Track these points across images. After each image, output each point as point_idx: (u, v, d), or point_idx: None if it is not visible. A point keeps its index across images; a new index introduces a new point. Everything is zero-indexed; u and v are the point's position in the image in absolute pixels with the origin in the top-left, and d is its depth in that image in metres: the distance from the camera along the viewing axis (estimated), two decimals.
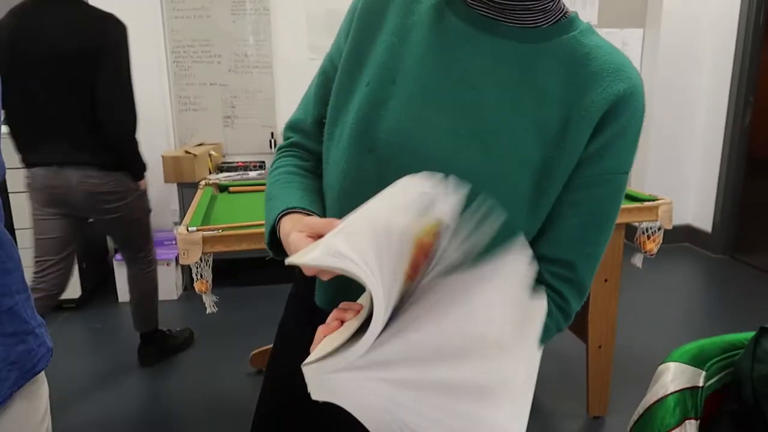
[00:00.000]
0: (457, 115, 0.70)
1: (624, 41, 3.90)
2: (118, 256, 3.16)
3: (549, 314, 0.74)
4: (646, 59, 3.94)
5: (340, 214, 0.74)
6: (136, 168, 2.34)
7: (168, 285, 3.22)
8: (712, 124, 3.91)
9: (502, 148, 0.69)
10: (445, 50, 0.72)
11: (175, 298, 3.25)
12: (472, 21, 0.72)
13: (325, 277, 0.57)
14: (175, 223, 3.53)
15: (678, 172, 4.04)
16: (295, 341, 0.90)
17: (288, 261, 0.54)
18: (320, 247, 0.51)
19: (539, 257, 0.74)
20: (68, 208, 2.29)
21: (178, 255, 1.83)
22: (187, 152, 3.30)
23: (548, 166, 0.70)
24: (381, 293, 0.50)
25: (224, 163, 3.56)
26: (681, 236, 4.09)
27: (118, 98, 2.15)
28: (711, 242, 3.97)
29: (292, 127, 0.89)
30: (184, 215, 2.08)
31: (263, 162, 3.59)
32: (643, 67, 3.94)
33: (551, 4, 0.73)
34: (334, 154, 0.78)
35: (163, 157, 3.27)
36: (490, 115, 0.69)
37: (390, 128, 0.71)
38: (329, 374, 0.53)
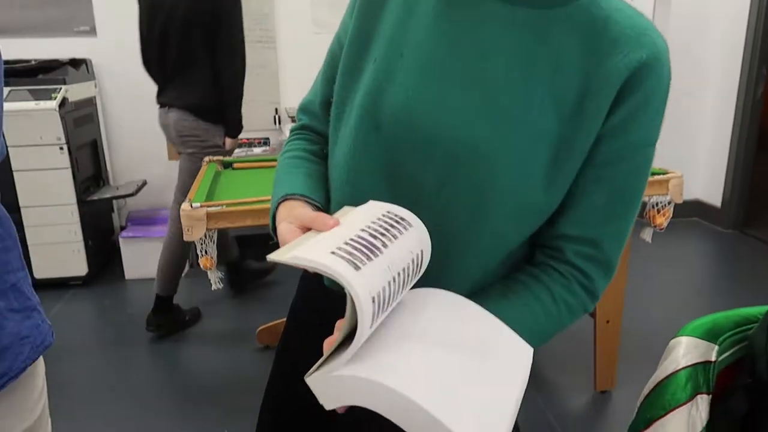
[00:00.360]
0: (467, 88, 0.66)
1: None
2: (124, 233, 3.16)
3: (574, 294, 0.72)
4: (658, 25, 3.84)
5: (350, 196, 0.73)
6: (233, 122, 2.59)
7: None
8: (723, 97, 3.84)
9: (515, 122, 0.65)
10: (453, 20, 0.68)
11: (182, 275, 3.25)
12: None
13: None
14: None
15: (688, 146, 3.98)
16: (305, 323, 0.90)
17: (268, 257, 0.54)
18: (297, 251, 0.53)
19: (561, 236, 0.72)
20: (175, 146, 2.70)
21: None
22: None
23: (566, 140, 0.66)
24: (363, 300, 0.49)
25: None
26: (690, 211, 4.05)
27: (234, 49, 2.46)
28: (720, 217, 3.93)
29: (303, 109, 0.88)
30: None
31: (267, 138, 3.56)
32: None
33: None
34: (342, 134, 0.76)
35: None
36: (502, 86, 0.66)
37: (397, 105, 0.68)
38: (327, 378, 0.53)
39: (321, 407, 0.55)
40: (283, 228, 0.63)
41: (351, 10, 0.77)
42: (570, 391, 2.16)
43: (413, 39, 0.69)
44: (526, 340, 0.64)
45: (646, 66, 0.64)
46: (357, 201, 0.67)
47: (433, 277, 0.67)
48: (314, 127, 0.87)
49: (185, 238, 1.73)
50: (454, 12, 0.68)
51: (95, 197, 3.14)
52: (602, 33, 0.65)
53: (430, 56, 0.68)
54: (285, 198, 0.74)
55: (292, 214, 0.65)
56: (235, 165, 2.44)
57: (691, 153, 3.99)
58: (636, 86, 0.65)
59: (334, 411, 0.56)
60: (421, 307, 0.63)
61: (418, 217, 0.63)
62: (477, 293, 0.71)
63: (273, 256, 0.54)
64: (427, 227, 0.63)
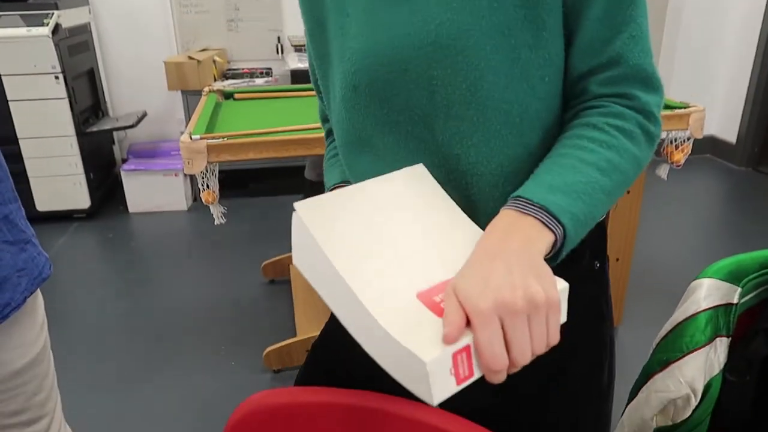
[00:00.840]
0: (406, 4, 0.61)
1: None
2: (126, 166, 3.11)
3: (620, 116, 0.61)
4: None
5: (350, 169, 0.74)
6: None
7: (176, 196, 3.18)
8: (746, 30, 3.65)
9: (473, 6, 0.58)
10: None
11: (185, 209, 3.23)
12: None
13: None
14: (182, 133, 3.44)
15: (706, 80, 3.83)
16: None
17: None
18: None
19: (580, 76, 0.63)
20: None
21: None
22: (190, 58, 3.15)
23: None
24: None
25: (229, 69, 3.42)
26: (704, 147, 3.95)
27: None
28: (734, 154, 3.83)
29: (321, 117, 0.90)
30: None
31: (270, 69, 3.43)
32: None
33: None
34: (336, 115, 0.73)
35: (165, 63, 3.14)
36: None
37: (358, 54, 0.65)
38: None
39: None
40: None
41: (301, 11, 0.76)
42: None
43: None
44: (600, 175, 0.57)
45: None
46: (364, 165, 0.70)
47: (478, 176, 0.64)
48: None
49: (185, 171, 1.67)
50: None
51: (95, 129, 3.06)
52: None
53: None
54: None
55: None
56: (237, 96, 2.35)
57: (709, 87, 3.85)
58: None
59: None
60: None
61: (434, 133, 0.63)
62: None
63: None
64: (446, 137, 0.63)
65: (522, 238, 0.52)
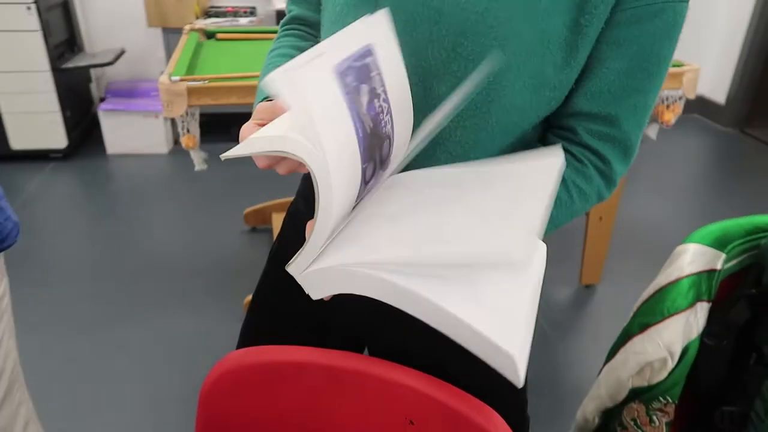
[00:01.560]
0: None
1: None
2: (104, 106, 3.01)
3: (588, 179, 0.66)
4: None
5: None
6: None
7: (156, 138, 3.10)
8: None
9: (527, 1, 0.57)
10: None
11: (165, 152, 3.15)
12: None
13: (281, 171, 0.52)
14: (162, 73, 3.33)
15: (697, 39, 3.77)
16: (303, 218, 0.85)
17: (222, 156, 0.50)
18: (249, 140, 0.48)
19: (574, 113, 0.64)
20: None
21: None
22: None
23: (587, 2, 0.57)
24: (326, 171, 0.45)
25: (212, 7, 3.28)
26: (692, 108, 3.93)
27: None
28: (722, 115, 3.82)
29: (288, 20, 0.81)
30: None
31: (254, 8, 3.30)
32: None
33: None
34: (328, 15, 0.67)
35: None
36: None
37: None
38: (309, 271, 0.51)
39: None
40: (243, 128, 0.56)
41: None
42: (552, 283, 2.19)
43: None
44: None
45: None
46: None
47: (447, 153, 0.64)
48: (306, 17, 0.78)
49: (165, 114, 1.61)
50: None
51: (70, 65, 2.94)
52: None
53: None
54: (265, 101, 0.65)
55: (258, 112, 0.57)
56: (219, 36, 2.26)
57: (701, 46, 3.79)
58: None
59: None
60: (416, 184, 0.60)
61: (428, 94, 0.60)
62: None
63: (226, 154, 0.49)
64: (438, 104, 0.59)
65: None
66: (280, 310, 0.85)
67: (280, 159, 0.51)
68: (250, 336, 0.89)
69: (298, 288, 0.52)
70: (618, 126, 0.63)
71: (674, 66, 1.84)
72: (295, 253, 0.51)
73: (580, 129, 0.64)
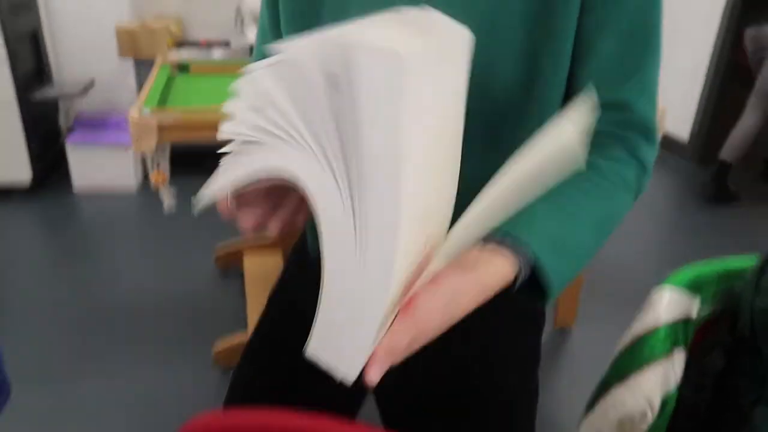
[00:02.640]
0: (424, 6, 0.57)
1: None
2: (71, 138, 2.95)
3: (622, 162, 0.60)
4: None
5: None
6: None
7: (125, 172, 3.04)
8: (705, 23, 3.73)
9: (496, 26, 0.57)
10: None
11: (134, 186, 3.08)
12: None
13: (274, 227, 0.46)
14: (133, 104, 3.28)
15: (661, 74, 3.89)
16: (294, 282, 0.83)
17: (196, 210, 0.43)
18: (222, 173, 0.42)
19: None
20: None
21: None
22: (144, 25, 2.99)
23: (556, 12, 0.57)
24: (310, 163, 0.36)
25: (185, 40, 3.26)
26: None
27: None
28: (687, 151, 3.93)
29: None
30: None
31: (228, 41, 3.29)
32: None
33: None
34: None
35: (117, 29, 2.97)
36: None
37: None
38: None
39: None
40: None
41: None
42: None
43: None
44: (594, 236, 0.56)
45: None
46: None
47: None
48: None
49: (134, 149, 1.58)
50: None
51: (38, 96, 2.88)
52: None
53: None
54: None
55: None
56: (193, 68, 2.24)
57: (664, 81, 3.91)
58: None
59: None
60: None
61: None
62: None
63: (199, 207, 0.44)
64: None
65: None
66: (280, 361, 0.76)
67: (275, 204, 0.45)
68: (240, 391, 0.79)
69: (303, 335, 0.43)
70: (631, 109, 0.60)
71: None
72: (301, 297, 0.44)
73: (596, 119, 0.60)
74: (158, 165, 1.62)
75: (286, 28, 0.68)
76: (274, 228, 0.46)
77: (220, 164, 0.43)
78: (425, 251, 0.43)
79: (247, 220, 0.45)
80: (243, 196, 0.45)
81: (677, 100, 3.93)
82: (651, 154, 0.62)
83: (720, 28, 3.62)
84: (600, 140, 0.60)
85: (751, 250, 0.96)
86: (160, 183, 1.61)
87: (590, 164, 0.57)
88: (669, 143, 4.04)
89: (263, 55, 0.77)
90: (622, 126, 0.60)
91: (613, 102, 0.59)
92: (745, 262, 0.96)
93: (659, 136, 0.62)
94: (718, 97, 3.73)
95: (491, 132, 0.61)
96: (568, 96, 0.63)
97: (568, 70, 0.60)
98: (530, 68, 0.58)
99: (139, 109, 1.58)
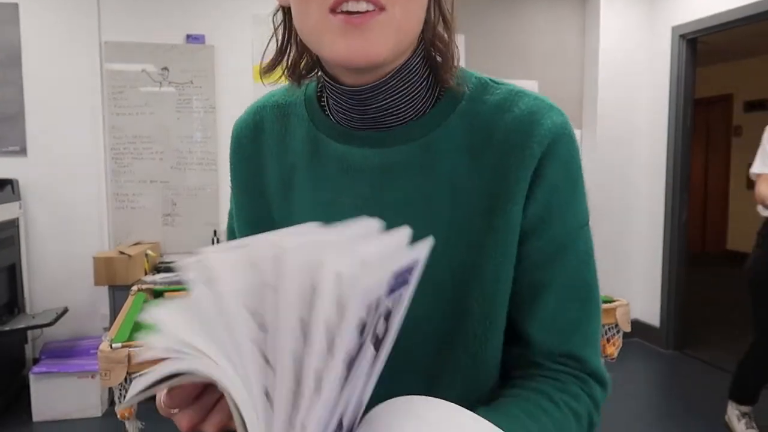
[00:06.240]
0: None
1: None
2: (36, 369, 2.85)
3: (575, 397, 0.60)
4: (586, 157, 4.09)
5: None
6: None
7: (90, 400, 2.90)
8: (652, 221, 4.03)
9: (424, 275, 0.59)
10: (329, 185, 0.64)
11: (99, 415, 2.92)
12: (347, 139, 0.63)
13: (210, 428, 0.46)
14: (105, 329, 3.25)
15: (623, 269, 4.09)
16: None
17: (117, 409, 0.45)
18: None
19: (536, 355, 0.62)
20: None
21: None
22: (121, 252, 3.10)
23: (472, 263, 0.60)
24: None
25: (162, 263, 3.36)
26: (630, 331, 4.08)
27: None
28: (660, 337, 3.98)
29: None
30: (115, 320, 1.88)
31: None
32: (583, 165, 4.08)
33: (413, 88, 0.61)
34: None
35: (94, 258, 3.06)
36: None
37: None
38: None
39: None
40: None
41: (233, 189, 0.74)
42: None
43: (300, 217, 0.65)
44: None
45: (548, 155, 0.59)
46: None
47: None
48: None
49: (102, 383, 1.53)
50: (328, 182, 0.64)
51: (6, 328, 2.85)
52: (488, 141, 0.60)
53: None
54: None
55: None
56: (167, 294, 2.28)
57: (626, 275, 4.10)
58: (542, 177, 0.59)
59: None
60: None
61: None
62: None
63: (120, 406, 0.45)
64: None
65: None
66: None
67: (206, 405, 0.45)
68: None
69: None
70: (581, 361, 0.61)
71: (605, 302, 1.95)
72: None
73: (546, 362, 0.61)
74: (125, 397, 1.56)
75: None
76: (209, 430, 0.46)
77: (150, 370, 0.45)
78: None
79: (183, 420, 0.46)
80: (176, 398, 0.45)
81: (641, 290, 4.09)
82: (602, 397, 0.63)
83: (665, 222, 3.92)
84: (556, 375, 0.61)
85: None
86: (126, 417, 1.54)
87: (546, 394, 0.59)
88: (642, 329, 4.09)
89: None
90: (577, 372, 0.62)
91: (565, 354, 0.61)
92: None
93: (609, 382, 0.65)
94: (677, 282, 3.90)
95: (408, 356, 0.61)
96: (518, 338, 0.64)
97: (500, 309, 0.62)
98: (458, 309, 0.61)
99: (109, 343, 1.57)
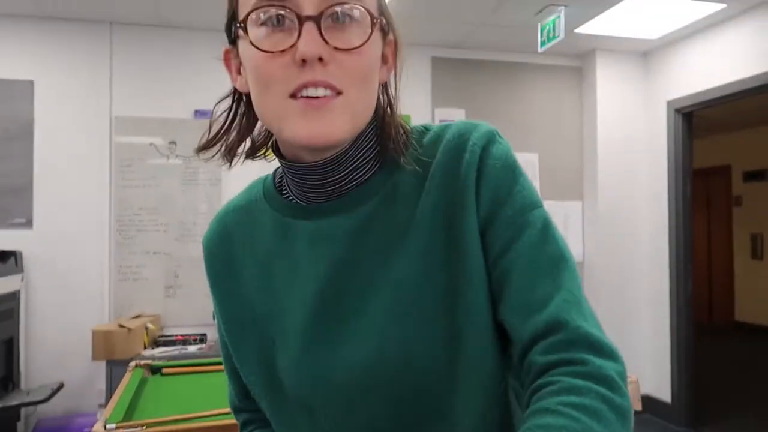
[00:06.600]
0: (350, 320, 0.63)
1: (566, 213, 4.09)
2: None
3: (576, 392, 0.51)
4: (587, 230, 4.10)
5: None
6: None
7: None
8: (656, 293, 3.99)
9: (409, 314, 0.62)
10: (305, 260, 0.66)
11: None
12: (314, 213, 0.67)
13: None
14: (100, 406, 3.16)
15: (629, 345, 4.00)
16: None
17: None
18: None
19: (523, 351, 0.58)
20: None
21: None
22: (121, 326, 3.06)
23: (460, 275, 0.62)
24: None
25: (162, 336, 3.31)
26: (642, 407, 3.96)
27: None
28: (672, 413, 3.84)
29: (233, 408, 0.82)
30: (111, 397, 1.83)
31: (204, 335, 3.36)
32: (585, 237, 4.09)
33: (367, 152, 0.66)
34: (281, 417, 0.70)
35: (93, 331, 3.02)
36: (379, 292, 0.63)
37: (296, 386, 0.65)
38: None
39: None
40: None
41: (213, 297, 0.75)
42: None
43: (279, 314, 0.67)
44: None
45: (480, 163, 0.63)
46: None
47: None
48: (253, 417, 0.79)
49: None
50: (299, 260, 0.67)
51: (0, 405, 2.77)
52: (434, 173, 0.64)
53: (300, 328, 0.65)
54: None
55: None
56: (165, 370, 2.23)
57: (634, 351, 4.01)
58: (483, 184, 0.62)
59: None
60: None
61: None
62: None
63: None
64: None
65: None
66: None
67: None
68: None
69: None
70: (565, 327, 0.55)
71: None
72: None
73: (535, 356, 0.56)
74: None
75: (248, 376, 0.72)
76: None
77: None
78: None
79: None
80: None
81: (651, 366, 3.99)
82: (608, 366, 0.53)
83: (670, 293, 3.88)
84: (548, 378, 0.54)
85: None
86: None
87: (543, 409, 0.51)
88: (654, 406, 3.96)
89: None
90: (564, 348, 0.55)
91: (545, 327, 0.56)
92: None
93: (614, 349, 0.56)
94: (686, 358, 3.81)
95: (422, 409, 0.61)
96: (510, 339, 0.62)
97: (488, 320, 0.62)
98: (450, 337, 0.61)
99: (103, 424, 1.53)
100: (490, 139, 0.64)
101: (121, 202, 3.48)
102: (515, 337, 0.60)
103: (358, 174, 0.65)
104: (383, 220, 0.64)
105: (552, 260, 0.60)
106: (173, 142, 3.58)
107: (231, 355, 0.73)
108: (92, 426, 2.90)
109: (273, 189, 0.71)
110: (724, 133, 6.96)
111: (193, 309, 3.53)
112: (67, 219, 3.39)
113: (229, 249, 0.72)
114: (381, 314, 0.62)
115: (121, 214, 3.48)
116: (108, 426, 1.53)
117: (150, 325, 3.23)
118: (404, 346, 0.61)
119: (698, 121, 4.07)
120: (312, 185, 0.65)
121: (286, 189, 0.70)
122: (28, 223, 3.36)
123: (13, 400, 2.84)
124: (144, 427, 1.54)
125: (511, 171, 0.63)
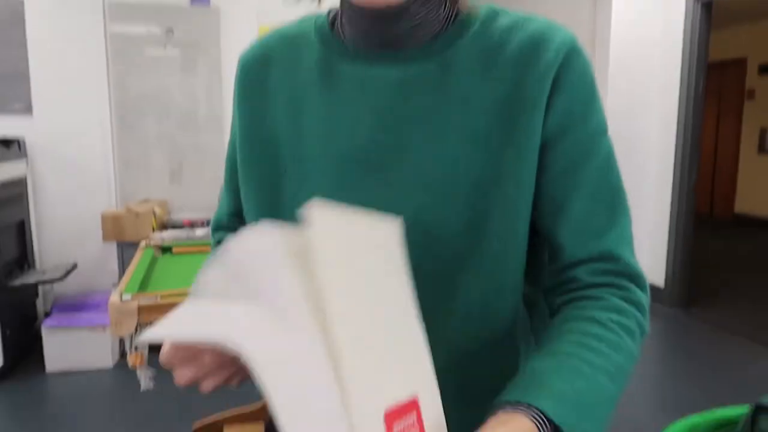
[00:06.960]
0: (380, 174, 0.62)
1: None
2: (47, 322, 2.91)
3: (620, 311, 0.59)
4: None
5: None
6: None
7: (101, 352, 2.96)
8: (659, 182, 4.01)
9: (444, 188, 0.61)
10: (345, 103, 0.64)
11: (110, 366, 2.98)
12: (364, 60, 0.65)
13: (207, 386, 0.50)
14: (114, 284, 3.29)
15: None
16: None
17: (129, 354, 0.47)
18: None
19: (566, 266, 0.62)
20: None
21: None
22: (129, 210, 3.12)
23: (506, 170, 0.61)
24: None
25: (170, 220, 3.39)
26: None
27: None
28: (665, 296, 4.00)
29: (215, 226, 0.81)
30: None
31: (210, 220, 3.42)
32: None
33: (431, 13, 0.63)
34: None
35: (102, 216, 3.08)
36: (417, 156, 0.61)
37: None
38: None
39: None
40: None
41: (235, 117, 0.73)
42: None
43: (312, 139, 0.65)
44: (610, 390, 0.54)
45: (563, 66, 0.60)
46: None
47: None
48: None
49: (112, 332, 1.56)
50: (344, 95, 0.65)
51: (17, 282, 2.89)
52: (501, 57, 0.61)
53: (336, 153, 0.64)
54: None
55: None
56: (175, 249, 2.30)
57: (633, 235, 4.09)
58: (560, 89, 0.60)
59: None
60: None
61: None
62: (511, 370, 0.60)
63: (142, 338, 0.45)
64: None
65: None
66: None
67: (207, 364, 0.48)
68: None
69: None
70: (616, 259, 0.61)
71: None
72: None
73: (581, 274, 0.62)
74: (136, 348, 1.59)
75: (248, 196, 0.70)
76: (206, 388, 0.50)
77: (174, 311, 0.46)
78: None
79: (182, 375, 0.49)
80: (184, 350, 0.49)
81: (647, 250, 4.09)
82: (644, 298, 0.62)
83: (673, 184, 3.90)
84: (595, 293, 0.61)
85: (741, 388, 0.95)
86: (137, 364, 1.57)
87: (592, 318, 0.58)
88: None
89: (220, 218, 0.80)
90: (612, 275, 0.61)
91: (599, 254, 0.61)
92: (737, 411, 0.95)
93: (648, 284, 0.64)
94: (684, 243, 3.90)
95: (435, 284, 0.61)
96: (550, 252, 0.64)
97: (520, 223, 0.62)
98: (477, 223, 0.61)
99: (119, 295, 1.60)
100: (576, 48, 0.61)
101: (120, 89, 3.42)
102: (561, 254, 0.63)
103: (418, 32, 0.63)
104: (434, 86, 0.62)
105: (612, 192, 0.63)
106: (170, 31, 3.45)
107: (235, 171, 0.72)
108: (107, 302, 3.04)
109: (326, 26, 0.69)
110: (743, 23, 6.66)
111: (198, 195, 3.57)
112: (66, 106, 3.34)
113: (267, 71, 0.70)
114: (411, 176, 0.61)
115: (121, 101, 3.43)
116: (124, 297, 1.60)
117: (157, 210, 3.28)
118: (428, 215, 0.60)
119: (717, 10, 3.88)
120: (370, 33, 0.63)
121: (338, 29, 0.68)
122: (28, 110, 3.32)
123: (29, 279, 2.96)
124: (159, 297, 1.61)
125: (591, 88, 0.62)
